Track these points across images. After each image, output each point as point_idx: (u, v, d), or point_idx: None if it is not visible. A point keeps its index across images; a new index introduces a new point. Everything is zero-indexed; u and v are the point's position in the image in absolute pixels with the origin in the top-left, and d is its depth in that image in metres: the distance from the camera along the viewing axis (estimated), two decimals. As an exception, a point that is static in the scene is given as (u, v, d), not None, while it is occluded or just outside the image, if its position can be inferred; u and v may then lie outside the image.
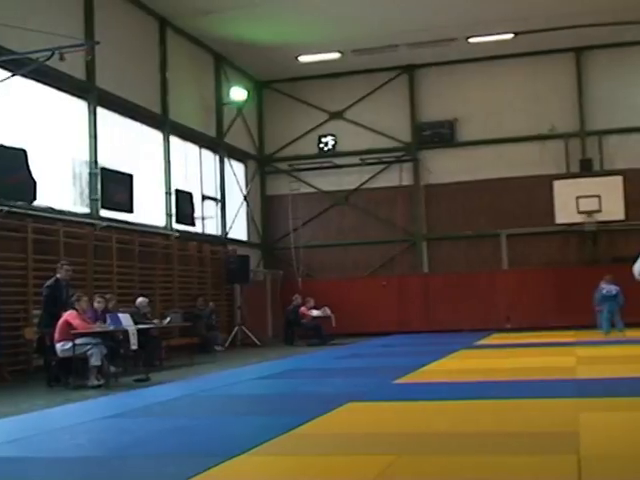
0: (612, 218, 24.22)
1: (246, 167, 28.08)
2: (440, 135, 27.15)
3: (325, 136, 28.23)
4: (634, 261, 11.20)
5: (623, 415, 7.94)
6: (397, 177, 27.42)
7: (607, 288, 20.03)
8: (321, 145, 28.26)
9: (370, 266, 27.62)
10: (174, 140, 22.94)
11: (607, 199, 24.09)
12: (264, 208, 28.76)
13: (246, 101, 26.41)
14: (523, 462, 5.96)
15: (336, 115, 28.15)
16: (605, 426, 7.35)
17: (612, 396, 9.18)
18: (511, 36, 24.74)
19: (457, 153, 27.13)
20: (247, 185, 27.84)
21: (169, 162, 22.35)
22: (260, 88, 28.75)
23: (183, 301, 21.69)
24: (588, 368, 12.39)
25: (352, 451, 6.71)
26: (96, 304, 14.54)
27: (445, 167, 27.15)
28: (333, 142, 28.18)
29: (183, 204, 22.25)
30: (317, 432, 7.65)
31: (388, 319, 26.36)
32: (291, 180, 28.20)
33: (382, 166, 27.67)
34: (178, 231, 22.13)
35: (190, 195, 22.70)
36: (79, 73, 18.35)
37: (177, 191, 22.15)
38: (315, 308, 24.02)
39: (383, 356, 17.42)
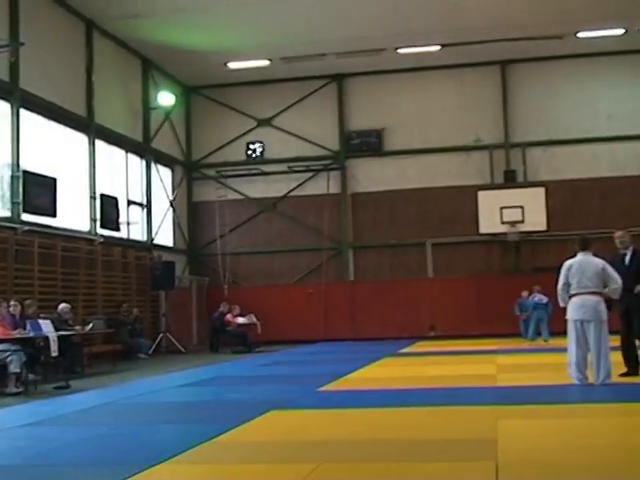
0: (534, 228, 24.68)
1: (173, 173, 27.87)
2: (368, 144, 27.35)
3: (253, 143, 28.20)
4: (558, 272, 11.35)
5: (540, 422, 8.09)
6: (325, 185, 27.52)
7: (538, 297, 20.47)
8: (249, 152, 28.21)
9: (297, 273, 27.66)
10: (100, 144, 22.64)
11: (530, 210, 24.54)
12: (191, 214, 28.57)
13: (174, 106, 26.22)
14: (442, 468, 6.05)
15: (264, 122, 28.14)
16: (523, 433, 7.49)
17: (530, 403, 9.35)
18: (438, 48, 25.09)
19: (384, 162, 27.37)
20: (174, 191, 27.63)
21: (94, 166, 22.04)
22: (188, 93, 28.58)
23: (107, 307, 21.40)
24: (508, 376, 12.60)
25: (273, 459, 6.71)
26: (11, 309, 14.19)
27: (372, 176, 27.37)
28: (261, 149, 28.16)
29: (108, 209, 21.96)
30: (239, 440, 7.62)
31: (314, 327, 26.43)
32: (218, 186, 28.09)
33: (310, 174, 27.75)
34: (102, 236, 21.82)
35: (115, 200, 22.42)
36: (2, 74, 18.00)
37: (102, 196, 21.85)
38: (241, 315, 23.93)
39: (308, 364, 17.45)
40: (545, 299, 20.28)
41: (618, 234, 11.93)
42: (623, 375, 11.28)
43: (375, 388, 11.69)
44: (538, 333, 20.78)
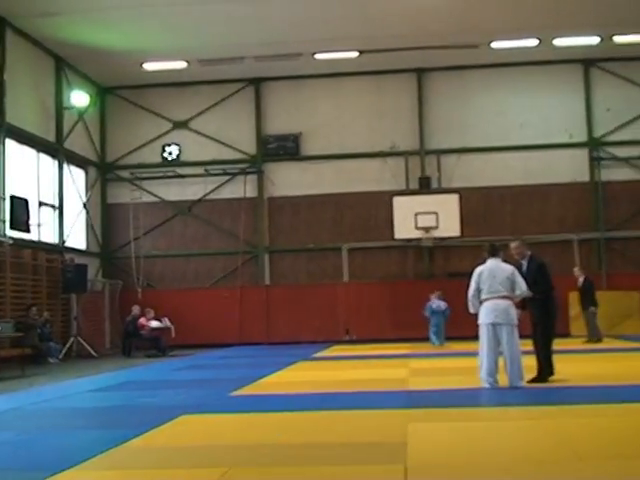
0: (448, 234, 25.03)
1: (87, 174, 27.39)
2: (285, 148, 27.37)
3: (169, 145, 27.94)
4: (469, 278, 11.56)
5: (451, 425, 8.20)
6: (241, 189, 27.44)
7: (437, 303, 20.78)
8: (165, 154, 27.94)
9: (212, 277, 27.49)
10: (10, 144, 22.11)
11: (444, 216, 24.88)
12: (104, 216, 28.11)
13: (88, 106, 25.78)
14: (351, 472, 6.09)
15: (181, 124, 27.91)
16: (433, 436, 7.58)
17: (441, 407, 9.48)
18: (356, 54, 25.29)
19: (301, 167, 27.43)
20: (87, 192, 27.15)
21: (4, 166, 21.50)
22: (103, 94, 28.14)
23: (16, 310, 20.88)
24: (420, 380, 12.74)
25: (183, 464, 6.65)
26: None
27: (289, 180, 27.40)
28: (177, 151, 27.91)
29: (18, 210, 21.41)
30: (149, 445, 7.53)
31: (229, 330, 26.32)
32: (133, 189, 27.73)
33: (226, 177, 27.63)
34: (12, 238, 21.28)
35: (26, 201, 21.88)
36: None
37: (12, 197, 21.31)
38: (155, 319, 23.67)
39: (222, 368, 17.35)
40: (443, 305, 20.66)
41: (514, 245, 12.02)
42: (530, 381, 11.42)
43: (288, 392, 11.68)
44: (447, 337, 21.14)
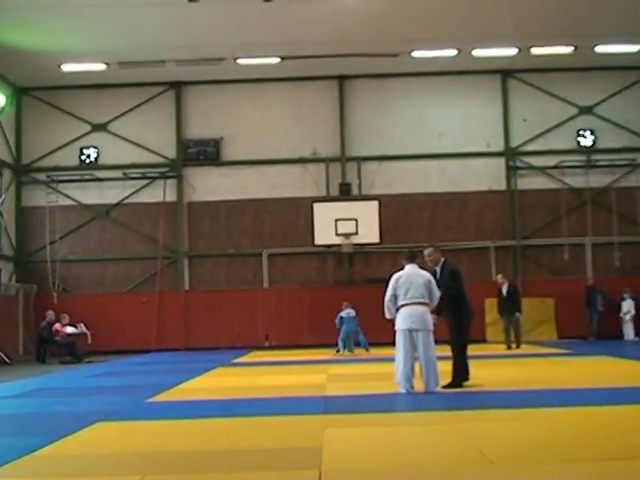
0: (368, 241, 25.23)
1: (1, 176, 26.74)
2: (206, 153, 27.18)
3: (87, 148, 27.49)
4: (387, 284, 11.68)
5: (367, 430, 8.25)
6: (161, 193, 27.16)
7: (347, 311, 20.89)
8: (83, 157, 27.48)
9: (130, 282, 27.12)
10: None
11: (364, 222, 25.06)
12: (19, 220, 27.45)
13: (3, 107, 25.21)
14: (267, 478, 6.08)
15: (99, 127, 27.49)
16: (348, 441, 7.60)
17: (358, 412, 9.53)
18: (278, 60, 25.30)
19: (222, 172, 27.29)
20: (1, 195, 26.49)
21: None
22: (20, 95, 27.52)
23: None
24: (338, 385, 12.78)
25: (96, 472, 6.54)
26: None
27: (210, 185, 27.23)
28: (95, 154, 27.48)
29: None
30: (62, 453, 7.38)
31: (147, 336, 25.99)
32: (49, 192, 27.20)
33: (146, 181, 27.31)
34: None
35: (-63, 203, 21.31)
36: None
37: None
38: (70, 325, 23.23)
39: (139, 374, 17.12)
40: (353, 313, 20.82)
41: (427, 252, 12.12)
42: (445, 387, 11.54)
43: (206, 398, 11.60)
44: (357, 343, 21.23)
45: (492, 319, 24.01)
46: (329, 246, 25.73)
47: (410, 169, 27.02)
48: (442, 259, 12.09)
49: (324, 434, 7.79)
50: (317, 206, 25.47)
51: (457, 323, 11.85)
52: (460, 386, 11.73)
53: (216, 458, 6.91)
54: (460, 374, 11.85)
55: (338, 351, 21.06)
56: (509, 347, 21.00)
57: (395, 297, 11.46)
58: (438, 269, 12.01)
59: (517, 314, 21.15)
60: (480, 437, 7.49)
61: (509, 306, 21.25)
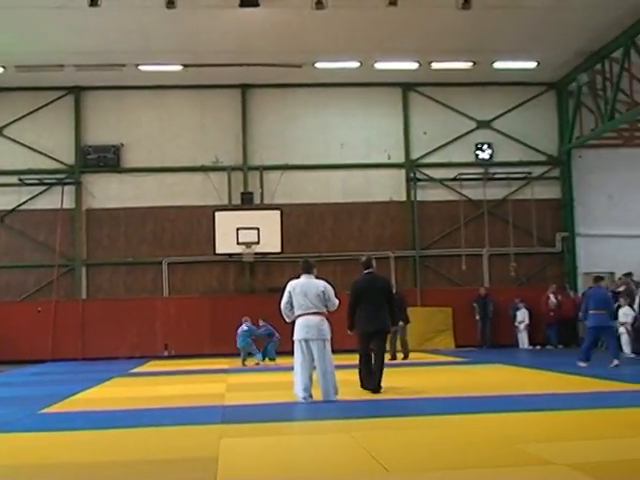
0: (269, 250, 25.20)
1: None
2: (105, 160, 26.69)
3: (-19, 153, 26.70)
4: (282, 295, 11.77)
5: (264, 440, 8.23)
6: (58, 200, 26.52)
7: (245, 324, 20.81)
8: (-23, 161, 26.67)
9: (25, 291, 26.39)
10: None
11: (265, 232, 25.03)
12: None
13: None
14: (160, 489, 5.99)
15: (-5, 131, 26.76)
16: (245, 451, 7.59)
17: (255, 421, 9.50)
18: (180, 68, 25.10)
19: (122, 179, 26.86)
20: None
21: None
22: None
23: None
24: (236, 395, 12.71)
25: (-17, 486, 6.34)
26: None
27: (109, 192, 26.77)
28: (-10, 159, 26.71)
29: None
30: (-54, 467, 7.12)
31: (42, 346, 25.31)
32: (-59, 196, 26.31)
33: (42, 187, 26.65)
34: None
35: None
36: None
37: None
38: (-38, 334, 22.48)
39: (32, 385, 16.68)
40: (245, 327, 20.74)
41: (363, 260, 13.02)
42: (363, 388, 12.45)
43: (102, 409, 11.37)
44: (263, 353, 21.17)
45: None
46: (230, 255, 25.61)
47: (312, 179, 27.15)
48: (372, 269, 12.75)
49: (220, 444, 7.74)
50: (219, 215, 25.32)
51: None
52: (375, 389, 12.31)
53: (110, 470, 6.79)
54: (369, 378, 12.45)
55: (261, 360, 20.82)
56: (394, 357, 20.37)
57: (290, 304, 11.58)
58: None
59: (401, 323, 20.53)
60: (376, 445, 7.55)
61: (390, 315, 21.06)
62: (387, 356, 21.05)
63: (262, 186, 26.87)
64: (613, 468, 6.41)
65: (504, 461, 6.75)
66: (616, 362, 16.37)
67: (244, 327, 20.73)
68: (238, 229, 24.99)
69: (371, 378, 12.42)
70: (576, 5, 20.86)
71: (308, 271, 11.79)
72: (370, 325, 12.43)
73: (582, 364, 16.60)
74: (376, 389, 12.30)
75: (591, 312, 16.64)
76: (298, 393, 11.38)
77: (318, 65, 25.26)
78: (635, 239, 26.98)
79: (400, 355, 20.62)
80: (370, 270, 12.75)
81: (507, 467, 6.53)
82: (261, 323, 20.94)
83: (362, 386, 12.53)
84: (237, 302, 25.45)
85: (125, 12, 21.04)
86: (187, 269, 26.55)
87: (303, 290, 11.52)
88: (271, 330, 20.57)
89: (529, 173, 27.52)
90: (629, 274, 23.74)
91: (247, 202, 26.44)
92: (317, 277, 11.86)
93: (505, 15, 21.49)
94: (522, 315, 25.71)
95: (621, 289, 22.40)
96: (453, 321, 26.20)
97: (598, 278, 17.56)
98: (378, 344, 12.61)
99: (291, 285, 11.68)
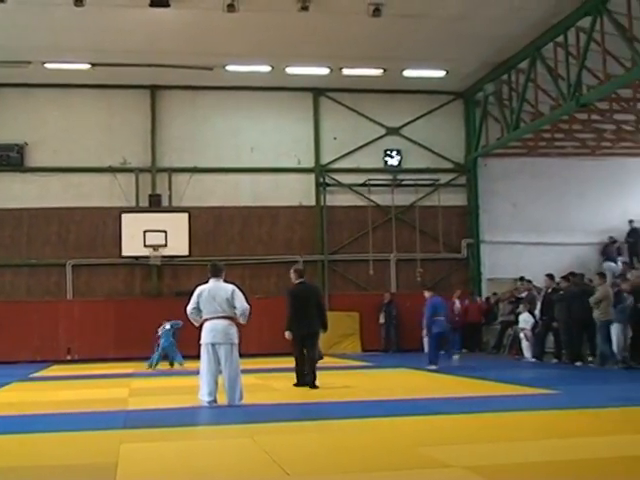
0: (177, 253, 24.94)
1: None
2: (8, 158, 25.92)
3: None
4: (189, 298, 11.69)
5: (166, 445, 8.15)
6: (-42, 199, 25.76)
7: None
8: None
9: None
10: None
11: (173, 235, 24.76)
12: None
13: None
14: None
15: None
16: (145, 456, 7.49)
17: (158, 426, 9.40)
18: (88, 66, 24.64)
19: (26, 178, 26.16)
20: None
21: None
22: None
23: None
24: (140, 399, 12.55)
25: None
26: None
27: (12, 192, 26.02)
28: None
29: None
30: None
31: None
32: None
33: (-58, 186, 25.83)
34: None
35: None
36: None
37: None
38: None
39: None
40: (167, 326, 20.50)
41: (294, 268, 14.82)
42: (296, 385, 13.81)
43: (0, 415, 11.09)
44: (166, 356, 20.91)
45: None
46: (137, 258, 25.24)
47: (222, 182, 26.98)
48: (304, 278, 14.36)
49: (120, 449, 7.62)
50: (125, 217, 24.94)
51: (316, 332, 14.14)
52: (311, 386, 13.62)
53: (6, 476, 6.60)
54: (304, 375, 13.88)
55: (171, 364, 20.51)
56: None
57: (198, 309, 11.50)
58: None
59: None
60: (278, 449, 7.55)
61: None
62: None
63: (170, 188, 26.57)
64: (509, 470, 6.55)
65: (403, 464, 6.84)
66: (456, 356, 19.01)
67: (166, 326, 20.29)
68: (145, 231, 24.65)
69: (306, 376, 13.74)
70: (484, 16, 21.27)
71: (216, 275, 11.73)
72: (303, 328, 13.81)
73: (432, 367, 17.85)
74: (312, 386, 13.54)
75: (435, 318, 18.14)
76: (203, 397, 11.31)
77: (229, 68, 25.15)
78: (537, 246, 27.65)
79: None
80: (303, 279, 14.41)
81: (406, 470, 6.62)
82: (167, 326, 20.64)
83: (297, 384, 13.85)
84: (143, 305, 25.12)
85: (32, 8, 20.50)
86: (92, 272, 26.05)
87: (211, 294, 11.47)
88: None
89: (436, 180, 27.93)
90: (523, 279, 24.29)
91: (155, 204, 26.10)
92: (226, 281, 11.80)
93: (415, 24, 21.77)
94: (427, 320, 26.03)
95: (523, 295, 22.93)
96: (360, 326, 26.41)
97: (431, 288, 19.49)
98: (309, 345, 13.94)
99: (199, 289, 11.64)
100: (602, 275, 19.01)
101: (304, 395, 12.71)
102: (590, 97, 21.22)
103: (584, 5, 20.06)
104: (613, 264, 26.87)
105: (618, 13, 18.85)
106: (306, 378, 13.79)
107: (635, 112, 23.92)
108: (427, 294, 18.90)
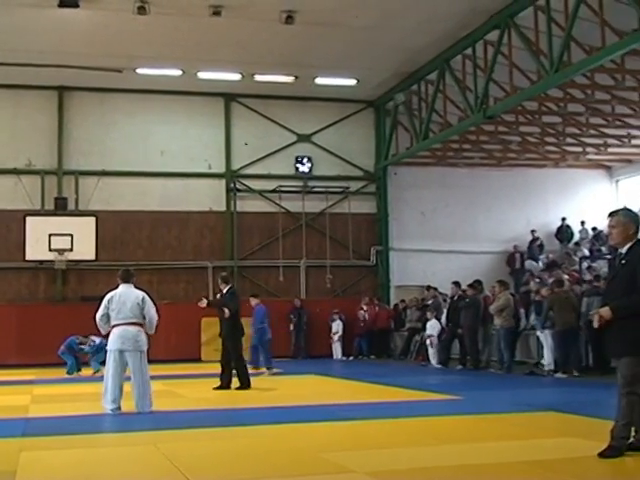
0: (83, 257, 24.51)
1: None
2: None
3: None
4: (99, 304, 11.48)
5: (68, 453, 8.02)
6: None
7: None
8: None
9: None
10: None
11: (79, 239, 24.32)
12: None
13: None
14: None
15: None
16: (45, 464, 7.37)
17: (59, 434, 9.21)
18: (-8, 66, 24.02)
19: None
20: None
21: None
22: None
23: None
24: (42, 407, 12.27)
25: None
26: None
27: None
28: None
29: None
30: None
31: None
32: None
33: None
34: None
35: None
36: None
37: None
38: None
39: None
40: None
41: (222, 275, 15.64)
42: (216, 388, 14.54)
43: None
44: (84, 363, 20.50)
45: (207, 339, 24.13)
46: (41, 262, 24.70)
47: (130, 186, 26.58)
48: (231, 282, 15.24)
49: (20, 457, 7.45)
50: (30, 220, 24.37)
51: (235, 334, 14.81)
52: (249, 387, 14.62)
53: None
54: (246, 376, 14.73)
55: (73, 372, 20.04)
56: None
57: (107, 316, 11.30)
58: (225, 289, 14.97)
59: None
60: (181, 456, 7.50)
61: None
62: (218, 365, 21.16)
63: (77, 192, 26.06)
64: (410, 476, 6.63)
65: (306, 470, 6.87)
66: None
67: (96, 340, 19.47)
68: (50, 235, 24.17)
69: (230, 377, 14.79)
70: (394, 27, 21.53)
71: (127, 280, 11.55)
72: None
73: (275, 370, 19.12)
74: (242, 386, 14.58)
75: (263, 326, 19.11)
76: (107, 405, 11.13)
77: (139, 71, 24.84)
78: (445, 254, 28.11)
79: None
80: (231, 285, 15.18)
81: (309, 476, 6.65)
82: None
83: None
84: (47, 311, 24.57)
85: None
86: (-5, 276, 25.39)
87: (122, 300, 11.29)
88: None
89: (347, 188, 28.14)
90: (430, 287, 24.63)
91: (61, 207, 25.55)
92: (135, 286, 11.62)
93: (327, 32, 21.90)
94: (337, 326, 26.22)
95: (429, 302, 23.28)
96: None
97: (257, 295, 20.16)
98: (230, 349, 14.77)
99: (109, 295, 11.43)
100: (503, 283, 19.36)
101: (210, 402, 12.64)
102: (497, 109, 21.69)
103: (492, 19, 20.52)
104: (535, 263, 27.67)
105: (525, 27, 19.34)
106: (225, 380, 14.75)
107: (540, 124, 24.59)
108: (253, 302, 18.96)
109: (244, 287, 27.06)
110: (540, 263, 27.54)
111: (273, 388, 15.39)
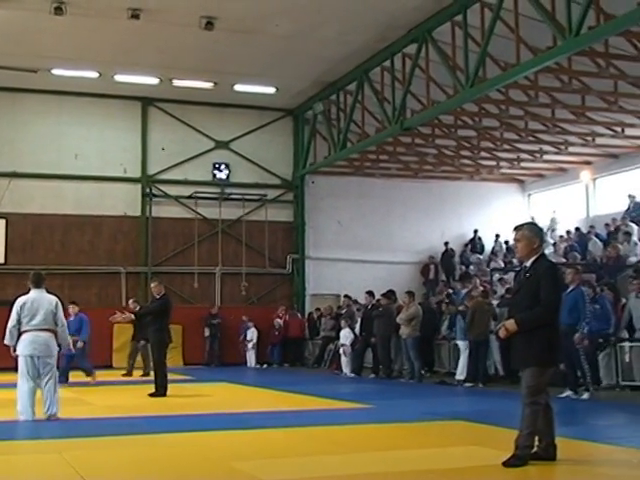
0: (-8, 261, 23.99)
1: None
2: None
3: None
4: (12, 307, 11.16)
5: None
6: None
7: None
8: None
9: None
10: None
11: (-11, 241, 23.82)
12: None
13: None
14: None
15: None
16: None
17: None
18: None
19: None
20: None
21: None
22: None
23: None
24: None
25: None
26: None
27: None
28: None
29: None
30: None
31: None
32: None
33: None
34: None
35: None
36: None
37: None
38: None
39: None
40: None
41: (153, 285, 15.25)
42: (151, 395, 14.33)
43: None
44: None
45: (119, 345, 23.80)
46: (-53, 265, 24.07)
47: (42, 188, 26.02)
48: (163, 291, 14.95)
49: None
50: (-62, 221, 23.76)
51: (161, 343, 14.55)
52: (165, 395, 14.29)
53: None
54: (163, 385, 14.36)
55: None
56: (129, 373, 20.68)
57: (19, 323, 10.97)
58: (158, 297, 14.83)
59: (142, 342, 20.47)
60: (86, 464, 7.40)
61: (138, 331, 20.72)
62: (122, 372, 20.85)
63: (-14, 194, 25.45)
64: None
65: (214, 478, 6.82)
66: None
67: None
68: (-43, 237, 23.58)
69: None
70: (314, 37, 21.64)
71: (38, 285, 11.23)
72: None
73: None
74: (157, 393, 14.38)
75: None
76: (20, 410, 10.87)
77: (55, 72, 24.38)
78: (360, 263, 28.31)
79: (138, 372, 20.44)
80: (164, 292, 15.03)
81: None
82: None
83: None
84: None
85: None
86: None
87: (34, 306, 10.96)
88: None
89: (264, 195, 28.12)
90: (347, 296, 24.78)
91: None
92: (47, 291, 11.34)
93: (246, 39, 21.86)
94: (251, 334, 26.13)
95: (343, 311, 23.42)
96: (183, 339, 26.05)
97: (76, 303, 18.87)
98: (154, 355, 14.92)
99: (21, 300, 11.05)
100: (410, 294, 19.51)
101: (118, 409, 12.47)
102: (413, 121, 21.99)
103: (410, 33, 20.81)
104: (480, 256, 28.61)
105: (443, 42, 19.67)
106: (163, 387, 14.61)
107: (455, 138, 25.00)
108: (72, 309, 18.13)
109: (158, 293, 26.84)
110: (481, 257, 28.46)
111: (185, 395, 15.26)
